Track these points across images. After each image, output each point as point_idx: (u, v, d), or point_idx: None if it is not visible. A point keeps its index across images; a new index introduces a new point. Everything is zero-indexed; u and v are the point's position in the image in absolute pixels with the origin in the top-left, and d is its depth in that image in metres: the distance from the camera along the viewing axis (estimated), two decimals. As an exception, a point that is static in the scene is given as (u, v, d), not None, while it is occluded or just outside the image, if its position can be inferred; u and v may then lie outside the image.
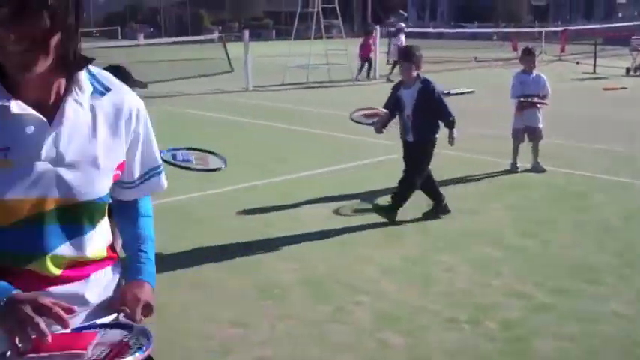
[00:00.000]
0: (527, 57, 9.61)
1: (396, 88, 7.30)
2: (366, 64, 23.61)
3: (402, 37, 23.78)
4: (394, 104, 7.19)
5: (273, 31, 69.52)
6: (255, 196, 8.21)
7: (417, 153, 7.09)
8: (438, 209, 7.23)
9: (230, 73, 23.86)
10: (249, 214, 7.43)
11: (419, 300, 5.13)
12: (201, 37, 34.29)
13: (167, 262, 5.90)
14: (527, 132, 9.41)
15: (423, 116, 6.97)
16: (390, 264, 5.89)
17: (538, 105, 9.36)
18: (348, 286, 5.40)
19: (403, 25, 26.32)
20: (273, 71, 23.10)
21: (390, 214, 7.04)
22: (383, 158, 9.99)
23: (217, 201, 7.99)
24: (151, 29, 71.33)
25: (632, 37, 27.08)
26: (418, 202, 7.28)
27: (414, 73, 7.00)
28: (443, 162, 9.96)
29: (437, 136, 7.13)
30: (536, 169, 9.29)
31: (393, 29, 25.70)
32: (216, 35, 34.40)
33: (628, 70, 24.81)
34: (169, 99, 18.03)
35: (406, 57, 7.14)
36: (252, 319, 4.81)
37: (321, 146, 11.27)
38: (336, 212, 7.45)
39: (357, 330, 4.66)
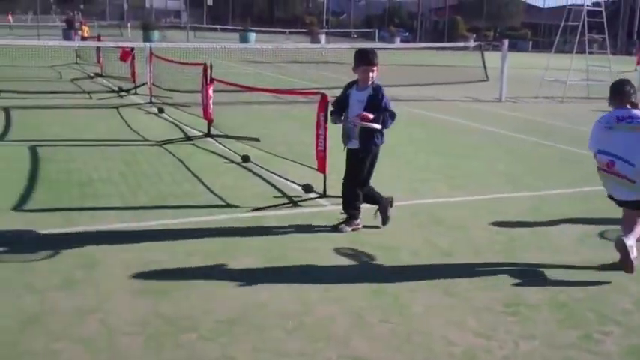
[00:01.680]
0: None
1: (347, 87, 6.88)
2: None
3: None
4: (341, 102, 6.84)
5: (530, 43, 67.71)
6: (504, 208, 8.09)
7: (360, 161, 6.74)
8: (382, 209, 6.98)
9: (484, 82, 23.66)
10: (498, 226, 7.35)
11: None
12: (459, 44, 34.25)
13: (412, 263, 6.05)
14: None
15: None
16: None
17: None
18: (597, 313, 5.17)
19: None
20: (527, 83, 22.55)
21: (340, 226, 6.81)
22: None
23: (467, 208, 7.99)
24: (407, 33, 72.62)
25: None
26: None
27: (371, 76, 6.59)
28: None
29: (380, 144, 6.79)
30: None
31: None
32: (472, 43, 34.22)
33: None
34: (421, 103, 18.29)
35: None
36: (496, 332, 4.77)
37: (576, 165, 10.82)
38: (588, 235, 7.13)
39: (605, 361, 4.45)
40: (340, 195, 7.05)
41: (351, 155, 6.82)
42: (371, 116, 6.49)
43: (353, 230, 6.83)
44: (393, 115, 6.70)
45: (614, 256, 6.11)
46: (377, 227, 6.98)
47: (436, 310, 5.08)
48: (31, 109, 14.83)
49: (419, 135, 13.17)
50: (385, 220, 6.99)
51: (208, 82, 11.62)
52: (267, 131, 12.25)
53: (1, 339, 4.36)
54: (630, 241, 5.80)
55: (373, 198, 7.04)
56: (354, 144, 6.72)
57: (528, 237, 7.00)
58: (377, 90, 6.64)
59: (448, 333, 4.72)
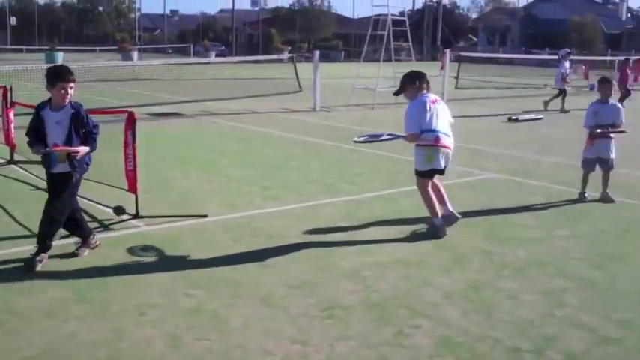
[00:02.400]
0: (603, 85, 9.43)
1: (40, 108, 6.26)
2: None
3: (567, 63, 22.75)
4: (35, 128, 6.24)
5: (342, 53, 69.92)
6: (321, 215, 8.26)
7: (67, 184, 6.25)
8: (84, 244, 6.57)
9: (298, 92, 24.14)
10: (314, 233, 7.48)
11: (480, 327, 5.07)
12: (272, 57, 34.76)
13: (231, 278, 6.00)
14: (598, 162, 9.23)
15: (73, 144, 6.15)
16: (452, 289, 5.84)
17: (611, 135, 9.18)
18: (409, 309, 5.38)
19: (568, 50, 25.09)
20: (340, 92, 23.24)
21: (30, 262, 6.11)
22: (455, 182, 9.92)
23: (284, 218, 8.07)
24: (222, 47, 72.67)
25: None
26: (477, 226, 7.19)
27: (70, 93, 6.12)
28: (510, 189, 9.91)
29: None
30: (605, 199, 9.10)
31: (558, 55, 24.53)
32: (286, 55, 34.82)
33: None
34: (238, 116, 18.33)
35: None
36: (312, 337, 4.83)
37: (388, 167, 11.26)
38: (401, 234, 7.43)
39: (416, 354, 4.63)
40: (155, 214, 6.87)
41: (56, 179, 6.24)
42: (81, 150, 6.11)
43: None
44: (97, 132, 6.31)
45: (422, 254, 6.39)
46: (199, 243, 6.88)
47: (254, 322, 5.07)
48: None
49: (235, 148, 13.16)
50: (83, 250, 6.52)
51: (9, 105, 10.98)
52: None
53: None
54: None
55: (81, 227, 6.58)
56: (63, 167, 6.14)
57: (343, 241, 7.18)
58: (78, 108, 6.17)
59: (265, 344, 4.72)
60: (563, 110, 20.89)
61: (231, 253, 6.71)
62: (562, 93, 21.67)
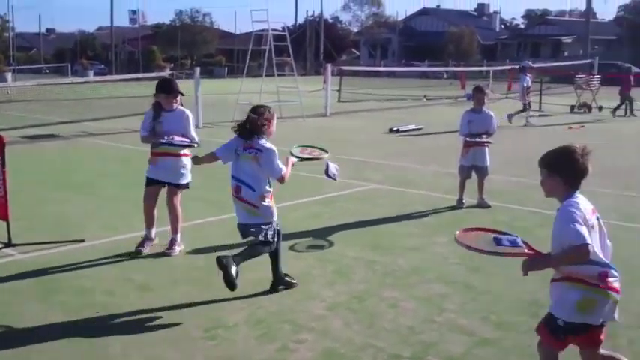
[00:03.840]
0: (478, 94, 9.75)
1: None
2: (626, 101, 23.99)
3: (528, 77, 22.07)
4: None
5: (226, 69, 69.68)
6: (206, 232, 8.16)
7: None
8: None
9: (181, 110, 23.77)
10: (199, 252, 7.37)
11: (364, 337, 5.12)
12: (152, 75, 34.17)
13: (109, 302, 5.81)
14: (475, 169, 9.56)
15: None
16: (336, 301, 5.88)
17: (485, 144, 9.53)
18: (293, 324, 5.37)
19: (529, 62, 24.75)
20: (224, 108, 23.11)
21: None
22: (335, 194, 10.04)
23: (166, 239, 7.88)
24: (102, 66, 70.95)
25: (577, 76, 27.81)
26: (357, 237, 7.29)
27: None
28: (393, 199, 10.11)
29: None
30: (482, 205, 9.44)
31: (518, 66, 24.58)
32: (167, 72, 34.34)
33: (572, 107, 25.43)
34: (118, 136, 17.89)
35: None
36: (195, 358, 4.74)
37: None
38: (282, 249, 7.40)
39: (301, 368, 4.63)
40: (30, 241, 6.54)
41: None
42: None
43: None
44: None
45: (307, 267, 6.41)
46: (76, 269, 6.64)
47: (134, 348, 4.92)
48: None
49: (114, 169, 12.82)
50: None
51: None
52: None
53: None
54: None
55: None
56: None
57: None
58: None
59: (147, 369, 4.59)
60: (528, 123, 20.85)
61: (109, 276, 6.50)
62: (525, 107, 21.32)
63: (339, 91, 29.09)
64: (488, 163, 9.58)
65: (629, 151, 15.88)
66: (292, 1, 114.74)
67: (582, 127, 20.15)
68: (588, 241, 3.64)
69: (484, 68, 45.45)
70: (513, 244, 4.54)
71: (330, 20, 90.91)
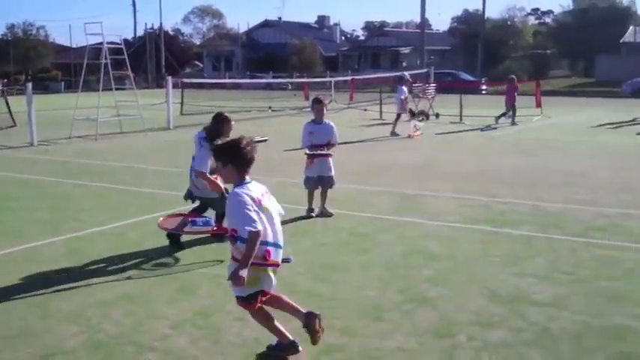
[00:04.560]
0: (317, 106, 9.84)
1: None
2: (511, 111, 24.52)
3: (405, 88, 22.13)
4: None
5: (63, 83, 67.02)
6: (40, 256, 7.74)
7: None
8: None
9: (13, 127, 22.67)
10: (32, 276, 6.98)
11: (209, 353, 5.04)
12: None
13: None
14: (319, 180, 9.65)
15: None
16: (181, 318, 5.75)
17: (329, 154, 9.66)
18: (136, 344, 5.20)
19: (407, 74, 24.41)
20: (60, 125, 22.19)
21: None
22: (185, 208, 9.86)
23: (4, 263, 7.46)
24: None
25: (414, 85, 28.93)
26: (204, 252, 7.19)
27: None
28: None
29: None
30: (324, 213, 9.58)
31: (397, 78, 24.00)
32: (-1, 88, 32.57)
33: (413, 114, 26.41)
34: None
35: None
36: (30, 391, 4.48)
37: (115, 200, 10.91)
38: (127, 269, 7.18)
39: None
40: None
41: None
42: None
43: None
44: None
45: (149, 286, 6.22)
46: None
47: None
48: None
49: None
50: None
51: None
52: None
53: None
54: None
55: None
56: None
57: (66, 282, 6.75)
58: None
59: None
60: (394, 134, 20.95)
61: None
62: (398, 116, 21.51)
63: (181, 104, 28.69)
64: (333, 173, 9.72)
65: (468, 157, 16.70)
66: (131, 13, 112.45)
67: (421, 133, 20.91)
68: (258, 227, 4.50)
69: (327, 79, 46.34)
70: (206, 224, 6.56)
71: (172, 32, 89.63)
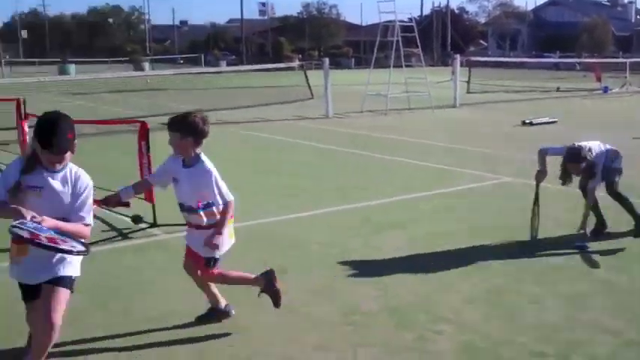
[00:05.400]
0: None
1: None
2: None
3: None
4: None
5: (353, 60, 69.97)
6: (336, 221, 8.24)
7: None
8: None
9: (310, 100, 24.18)
10: (331, 239, 7.45)
11: (504, 332, 5.02)
12: (282, 65, 34.81)
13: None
14: None
15: None
16: (473, 294, 5.80)
17: None
18: (430, 314, 5.35)
19: None
20: (352, 99, 23.25)
21: None
22: (466, 187, 9.92)
23: (300, 225, 8.06)
24: (233, 57, 72.91)
25: None
26: (498, 233, 7.14)
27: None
28: (525, 192, 9.84)
29: None
30: None
31: None
32: (296, 63, 34.85)
33: None
34: (251, 124, 18.36)
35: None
36: (335, 344, 4.81)
37: (402, 173, 11.24)
38: (417, 240, 7.39)
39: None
40: (173, 222, 6.82)
41: None
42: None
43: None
44: None
45: (446, 255, 6.36)
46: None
47: (277, 329, 5.06)
48: None
49: (249, 156, 13.18)
50: None
51: (23, 118, 11.05)
52: (92, 162, 11.75)
53: None
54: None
55: None
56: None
57: (360, 247, 7.14)
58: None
59: (288, 350, 4.71)
60: None
61: (248, 260, 6.67)
62: None
63: (467, 82, 28.59)
64: None
65: None
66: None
67: None
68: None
69: (620, 60, 43.36)
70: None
71: (457, 11, 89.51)
